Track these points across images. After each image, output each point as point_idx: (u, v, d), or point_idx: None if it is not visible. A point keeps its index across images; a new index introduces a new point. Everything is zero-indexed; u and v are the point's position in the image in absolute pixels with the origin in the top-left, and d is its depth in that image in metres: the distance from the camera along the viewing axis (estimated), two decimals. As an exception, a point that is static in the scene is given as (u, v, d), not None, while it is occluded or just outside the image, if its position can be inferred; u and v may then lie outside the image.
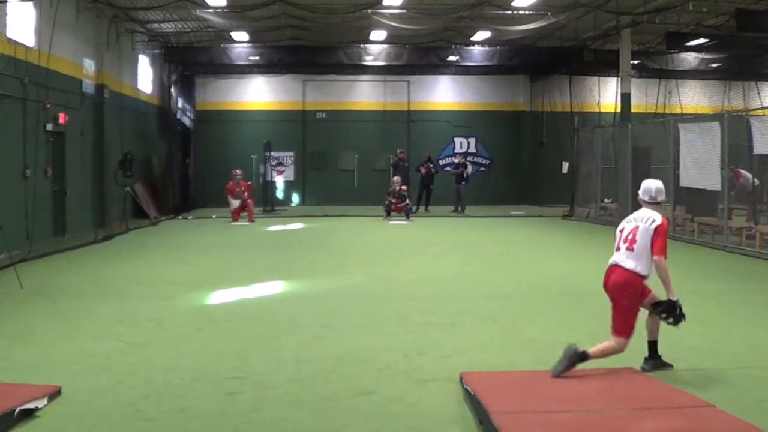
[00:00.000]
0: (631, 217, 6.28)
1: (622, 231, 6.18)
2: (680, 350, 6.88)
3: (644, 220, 6.07)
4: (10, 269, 10.90)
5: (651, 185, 6.30)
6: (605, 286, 6.13)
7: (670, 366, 6.18)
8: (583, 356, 5.86)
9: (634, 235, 6.01)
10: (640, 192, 6.34)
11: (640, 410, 4.94)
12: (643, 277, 5.96)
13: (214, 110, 27.74)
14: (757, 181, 15.96)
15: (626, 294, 5.94)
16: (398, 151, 25.25)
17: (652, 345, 6.20)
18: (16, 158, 14.40)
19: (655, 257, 5.90)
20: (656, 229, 5.95)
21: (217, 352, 6.88)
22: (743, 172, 15.84)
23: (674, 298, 5.98)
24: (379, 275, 11.65)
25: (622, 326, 5.93)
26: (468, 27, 23.43)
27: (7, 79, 14.02)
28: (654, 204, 6.22)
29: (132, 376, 6.06)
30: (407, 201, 22.10)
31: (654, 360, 6.18)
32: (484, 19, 22.20)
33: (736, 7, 19.24)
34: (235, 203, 21.22)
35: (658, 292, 6.10)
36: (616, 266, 6.05)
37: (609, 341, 5.99)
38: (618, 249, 6.12)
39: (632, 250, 5.97)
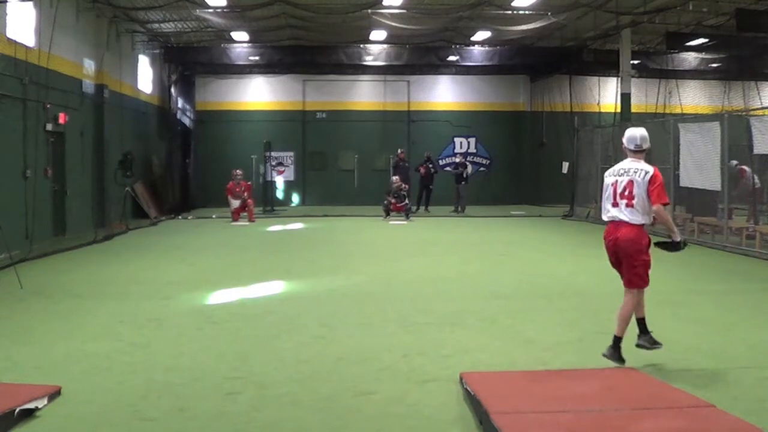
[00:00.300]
0: (619, 168, 6.25)
1: (615, 185, 6.17)
2: (680, 350, 6.88)
3: (636, 172, 6.09)
4: (10, 269, 10.90)
5: (636, 133, 6.30)
6: (611, 243, 6.18)
7: (660, 345, 6.30)
8: (616, 342, 6.09)
9: (631, 191, 6.06)
10: (625, 140, 6.32)
11: (640, 410, 4.94)
12: (644, 226, 6.15)
13: (214, 110, 27.74)
14: (758, 182, 15.94)
15: (638, 248, 6.07)
16: (399, 152, 25.21)
17: (641, 322, 6.29)
18: (16, 158, 14.41)
19: (654, 207, 6.03)
20: (651, 180, 6.02)
21: (217, 352, 6.88)
22: (748, 170, 15.80)
23: (678, 239, 6.25)
24: (379, 275, 11.65)
25: (641, 278, 6.13)
26: (468, 27, 23.43)
27: (7, 79, 14.02)
28: (640, 152, 6.23)
29: (132, 376, 6.06)
30: (406, 201, 22.09)
31: (646, 335, 6.28)
32: (484, 19, 22.20)
33: (736, 7, 19.25)
34: (236, 203, 21.23)
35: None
36: (620, 222, 6.11)
37: (625, 302, 6.17)
38: (615, 204, 6.15)
39: (632, 206, 6.05)
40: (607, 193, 6.24)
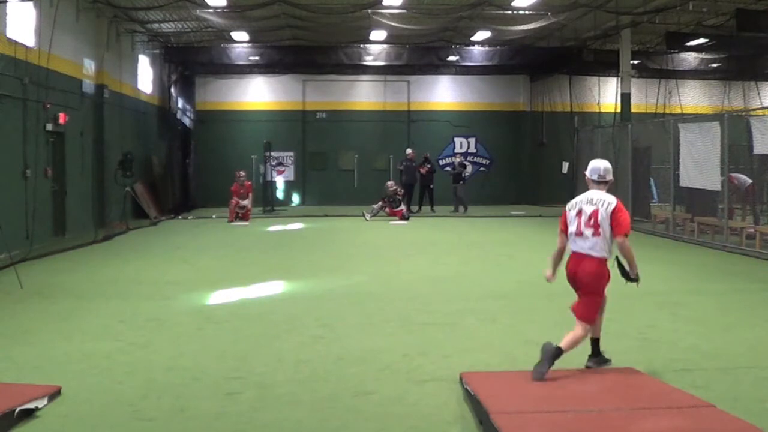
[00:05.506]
0: (582, 199, 6.12)
1: (579, 214, 6.04)
2: (680, 350, 6.88)
3: (601, 203, 5.98)
4: (10, 269, 10.90)
5: (599, 164, 6.22)
6: (573, 275, 6.02)
7: (610, 360, 6.17)
8: (559, 351, 5.80)
9: (596, 220, 5.94)
10: (588, 172, 6.23)
11: (640, 410, 4.94)
12: (606, 261, 6.00)
13: (214, 110, 27.72)
14: (749, 181, 15.98)
15: (598, 283, 5.97)
16: (409, 152, 24.79)
17: (595, 342, 6.16)
18: (16, 158, 14.40)
19: (619, 239, 5.91)
20: (614, 212, 5.91)
21: (217, 352, 6.88)
22: (735, 175, 15.86)
23: (634, 275, 6.06)
24: (379, 275, 11.65)
25: (592, 312, 5.97)
26: (468, 27, 23.42)
27: (7, 79, 14.01)
28: (603, 183, 6.13)
29: (132, 376, 6.06)
30: (402, 206, 22.06)
31: (597, 357, 6.16)
32: (484, 19, 22.20)
33: (736, 7, 19.25)
34: (243, 203, 21.33)
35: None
36: (585, 256, 5.98)
37: (576, 330, 5.93)
38: (580, 234, 6.00)
39: (599, 235, 5.92)
40: (573, 223, 6.08)
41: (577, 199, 6.21)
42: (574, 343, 5.90)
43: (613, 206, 5.94)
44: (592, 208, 5.99)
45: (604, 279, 5.99)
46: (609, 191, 6.18)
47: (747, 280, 11.37)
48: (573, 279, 6.07)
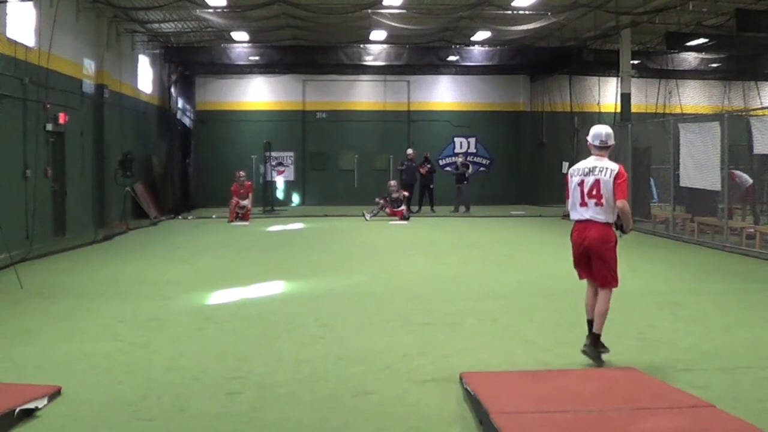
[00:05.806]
0: (584, 167, 6.30)
1: (582, 184, 6.24)
2: (680, 350, 6.88)
3: (602, 171, 6.17)
4: (10, 269, 10.90)
5: (601, 130, 6.37)
6: (582, 242, 6.27)
7: (607, 350, 6.32)
8: (594, 339, 6.17)
9: (598, 190, 6.15)
10: (590, 137, 6.37)
11: (640, 410, 4.94)
12: (611, 225, 6.29)
13: (214, 110, 27.73)
14: (750, 181, 15.98)
15: (608, 246, 6.25)
16: (409, 152, 24.75)
17: (590, 324, 6.31)
18: (16, 158, 14.40)
19: (619, 202, 6.13)
20: (615, 179, 6.12)
21: (217, 352, 6.88)
22: (737, 173, 15.87)
23: (626, 233, 6.38)
24: (379, 275, 11.65)
25: (614, 277, 6.30)
26: (468, 27, 23.43)
27: (7, 79, 14.01)
28: (605, 149, 6.31)
29: (132, 376, 6.06)
30: (403, 206, 22.09)
31: (593, 338, 6.28)
32: (484, 19, 22.20)
33: (736, 7, 19.25)
34: (243, 203, 21.32)
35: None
36: (590, 222, 6.22)
37: (600, 301, 6.25)
38: (584, 204, 6.23)
39: (601, 205, 6.16)
40: (575, 192, 6.30)
41: (579, 166, 6.37)
42: (605, 317, 6.21)
43: (615, 172, 6.13)
44: (594, 178, 6.18)
45: (612, 240, 6.25)
46: (610, 157, 6.36)
47: (747, 280, 11.36)
48: (580, 247, 6.31)
